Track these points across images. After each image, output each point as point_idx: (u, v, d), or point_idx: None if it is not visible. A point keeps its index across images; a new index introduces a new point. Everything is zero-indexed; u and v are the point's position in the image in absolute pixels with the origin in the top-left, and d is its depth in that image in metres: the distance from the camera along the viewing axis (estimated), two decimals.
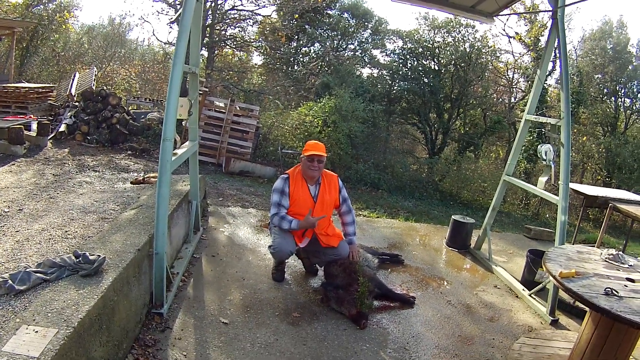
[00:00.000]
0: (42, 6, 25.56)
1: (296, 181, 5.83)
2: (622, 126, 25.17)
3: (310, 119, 16.01)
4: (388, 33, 24.20)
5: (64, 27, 26.66)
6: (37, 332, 2.88)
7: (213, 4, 21.67)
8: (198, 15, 5.70)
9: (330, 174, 6.08)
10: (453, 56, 21.54)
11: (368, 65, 24.59)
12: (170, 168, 4.61)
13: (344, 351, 4.67)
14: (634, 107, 25.80)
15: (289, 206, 5.80)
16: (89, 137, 13.27)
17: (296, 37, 24.59)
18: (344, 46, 25.58)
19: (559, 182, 6.36)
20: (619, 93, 25.54)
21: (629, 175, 21.91)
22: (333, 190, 5.99)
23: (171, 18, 21.24)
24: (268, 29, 24.09)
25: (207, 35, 21.70)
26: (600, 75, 25.32)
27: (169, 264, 5.42)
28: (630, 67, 25.05)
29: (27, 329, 2.90)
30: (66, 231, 5.69)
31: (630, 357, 4.42)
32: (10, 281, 3.51)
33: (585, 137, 23.36)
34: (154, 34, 34.02)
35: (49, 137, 12.28)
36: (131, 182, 9.08)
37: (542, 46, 7.85)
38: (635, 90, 25.58)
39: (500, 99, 24.38)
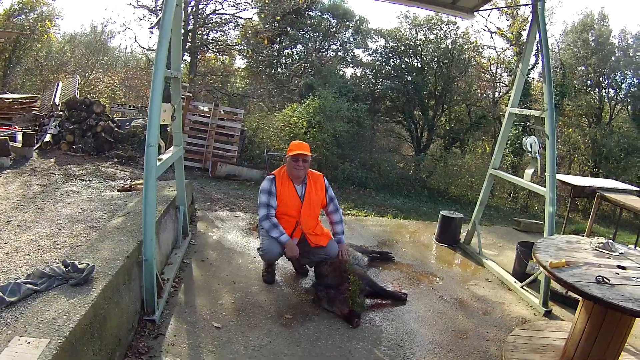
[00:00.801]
0: (23, 16, 25.48)
1: (282, 181, 5.84)
2: (607, 117, 25.38)
3: (295, 121, 16.02)
4: (370, 32, 24.28)
5: (45, 36, 26.61)
6: (29, 343, 2.86)
7: (194, 9, 21.70)
8: (178, 19, 5.68)
9: (316, 173, 6.09)
10: (436, 53, 21.65)
11: (351, 65, 24.68)
12: (155, 174, 4.59)
13: (338, 351, 4.67)
14: (618, 98, 26.00)
15: (277, 206, 5.80)
16: (74, 146, 13.20)
17: (278, 39, 24.63)
18: (326, 47, 25.64)
19: (546, 174, 6.38)
20: (603, 84, 25.73)
21: (616, 165, 22.10)
22: (319, 190, 5.99)
23: (152, 23, 21.20)
24: (250, 32, 24.14)
25: (190, 40, 21.70)
26: (583, 67, 25.52)
27: (159, 270, 5.40)
28: (612, 59, 25.28)
29: (19, 340, 2.88)
30: (55, 241, 5.67)
31: (625, 344, 4.44)
32: (0, 293, 3.48)
33: (570, 129, 23.52)
34: (136, 41, 33.97)
35: (34, 148, 12.20)
36: (118, 190, 9.05)
37: (525, 40, 7.93)
38: (618, 80, 25.82)
39: (485, 94, 24.53)
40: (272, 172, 6.02)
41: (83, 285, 3.63)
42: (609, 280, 3.91)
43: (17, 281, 3.63)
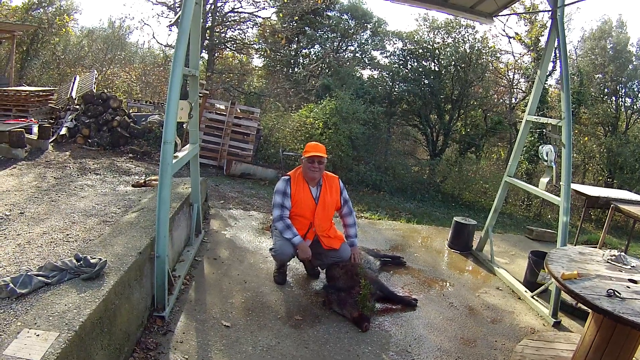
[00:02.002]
0: (41, 9, 25.66)
1: (297, 183, 5.85)
2: (623, 126, 25.14)
3: (311, 121, 15.99)
4: (388, 34, 24.20)
5: (63, 30, 26.74)
6: (38, 335, 2.87)
7: (212, 7, 21.71)
8: (197, 17, 5.70)
9: (331, 175, 6.09)
10: (453, 57, 21.50)
11: (368, 67, 24.61)
12: (171, 171, 4.61)
13: (346, 354, 4.66)
14: (635, 107, 25.78)
15: (291, 207, 5.81)
16: (90, 140, 13.25)
17: (296, 39, 24.62)
18: (344, 48, 25.58)
19: (561, 183, 6.35)
20: (620, 93, 25.52)
21: (631, 175, 21.87)
22: (334, 192, 5.99)
23: (171, 21, 21.25)
24: (268, 31, 24.10)
25: (207, 37, 21.74)
26: (600, 75, 25.32)
27: (171, 267, 5.42)
28: (630, 67, 25.05)
29: (28, 332, 2.90)
30: (68, 234, 5.69)
31: (633, 358, 4.41)
32: (11, 284, 3.50)
33: (586, 138, 23.33)
34: (154, 37, 34.17)
35: (50, 141, 12.26)
36: (132, 185, 9.08)
37: (542, 46, 7.83)
38: (635, 89, 25.58)
39: (501, 100, 24.36)
40: (288, 173, 6.04)
41: (94, 280, 3.65)
42: (619, 294, 3.89)
43: (28, 273, 3.65)
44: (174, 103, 4.59)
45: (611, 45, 25.32)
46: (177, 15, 4.97)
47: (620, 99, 25.64)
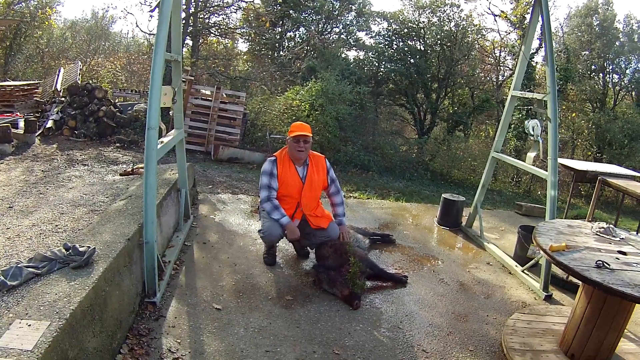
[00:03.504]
0: (23, 3, 25.43)
1: (284, 163, 5.85)
2: (611, 102, 25.25)
3: (297, 103, 15.95)
4: (372, 15, 24.10)
5: (46, 23, 26.52)
6: (30, 325, 2.89)
7: None
8: (178, 2, 5.67)
9: (317, 155, 6.10)
10: (439, 36, 21.48)
11: (354, 48, 24.49)
12: (156, 156, 4.59)
13: (338, 332, 4.70)
14: (622, 83, 25.89)
15: (278, 188, 5.82)
16: (76, 132, 13.17)
17: (280, 22, 24.46)
18: (329, 29, 25.46)
19: (548, 157, 6.37)
20: (607, 69, 25.60)
21: (620, 150, 22.01)
22: (321, 171, 6.00)
23: (152, 7, 21.11)
24: (252, 15, 23.98)
25: (191, 24, 21.61)
26: (587, 52, 25.39)
27: (160, 252, 5.42)
28: (617, 43, 25.16)
29: (20, 323, 2.91)
30: (56, 225, 5.68)
31: (625, 330, 4.46)
32: (2, 277, 3.51)
33: (574, 114, 23.41)
34: (137, 26, 33.90)
35: (36, 134, 12.17)
36: (120, 174, 9.05)
37: (528, 23, 7.85)
38: (622, 66, 25.70)
39: (488, 78, 24.37)
40: (274, 154, 6.03)
41: (84, 268, 3.65)
42: (609, 265, 3.92)
43: (18, 265, 3.66)
44: (157, 88, 4.56)
45: (597, 22, 25.38)
46: (158, 1, 4.94)
47: (608, 76, 25.73)
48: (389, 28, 22.47)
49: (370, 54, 22.90)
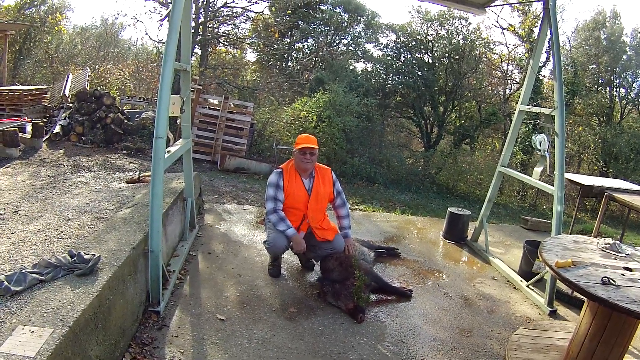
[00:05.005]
0: (34, 8, 25.60)
1: (290, 175, 5.84)
2: (618, 116, 25.16)
3: (305, 115, 15.94)
4: (381, 27, 24.11)
5: (56, 28, 26.73)
6: (33, 332, 2.89)
7: (205, 2, 21.65)
8: (188, 12, 5.69)
9: (323, 167, 6.09)
10: (447, 49, 21.48)
11: (362, 60, 24.47)
12: (163, 166, 4.60)
13: (342, 345, 4.68)
14: (629, 97, 25.80)
15: (284, 200, 5.81)
16: (83, 138, 13.23)
17: (289, 32, 24.52)
18: (337, 41, 25.48)
19: (554, 172, 6.36)
20: (614, 83, 25.53)
21: (626, 165, 21.90)
22: (327, 184, 5.99)
23: (162, 16, 21.21)
24: (261, 25, 24.07)
25: (200, 33, 21.69)
26: (594, 66, 25.28)
27: (165, 261, 5.42)
28: (624, 57, 25.03)
29: (23, 329, 2.91)
30: (62, 231, 5.68)
31: (629, 346, 4.43)
32: (6, 282, 3.50)
33: (581, 128, 23.36)
34: (147, 33, 34.06)
35: (43, 139, 12.23)
36: (126, 182, 9.07)
37: (536, 37, 7.83)
38: (629, 80, 25.58)
39: (495, 91, 24.33)
40: (280, 166, 6.03)
41: (88, 276, 3.66)
42: (614, 281, 3.89)
43: (22, 271, 3.66)
44: (166, 98, 4.59)
45: (605, 36, 25.28)
46: (168, 11, 4.98)
47: (615, 90, 25.65)
48: (397, 40, 22.49)
49: (378, 66, 22.89)
